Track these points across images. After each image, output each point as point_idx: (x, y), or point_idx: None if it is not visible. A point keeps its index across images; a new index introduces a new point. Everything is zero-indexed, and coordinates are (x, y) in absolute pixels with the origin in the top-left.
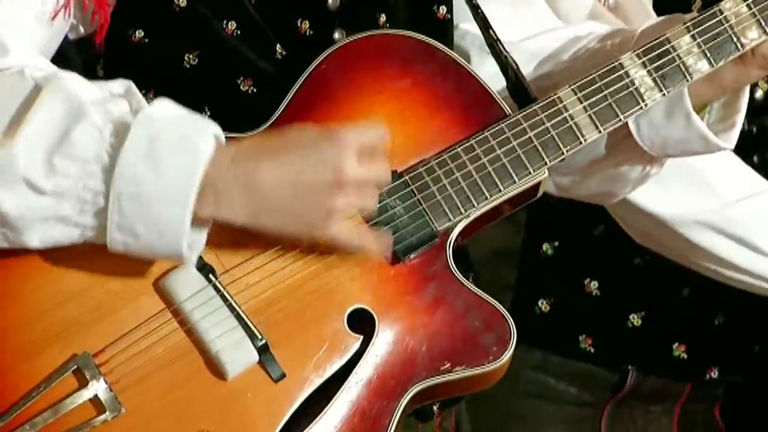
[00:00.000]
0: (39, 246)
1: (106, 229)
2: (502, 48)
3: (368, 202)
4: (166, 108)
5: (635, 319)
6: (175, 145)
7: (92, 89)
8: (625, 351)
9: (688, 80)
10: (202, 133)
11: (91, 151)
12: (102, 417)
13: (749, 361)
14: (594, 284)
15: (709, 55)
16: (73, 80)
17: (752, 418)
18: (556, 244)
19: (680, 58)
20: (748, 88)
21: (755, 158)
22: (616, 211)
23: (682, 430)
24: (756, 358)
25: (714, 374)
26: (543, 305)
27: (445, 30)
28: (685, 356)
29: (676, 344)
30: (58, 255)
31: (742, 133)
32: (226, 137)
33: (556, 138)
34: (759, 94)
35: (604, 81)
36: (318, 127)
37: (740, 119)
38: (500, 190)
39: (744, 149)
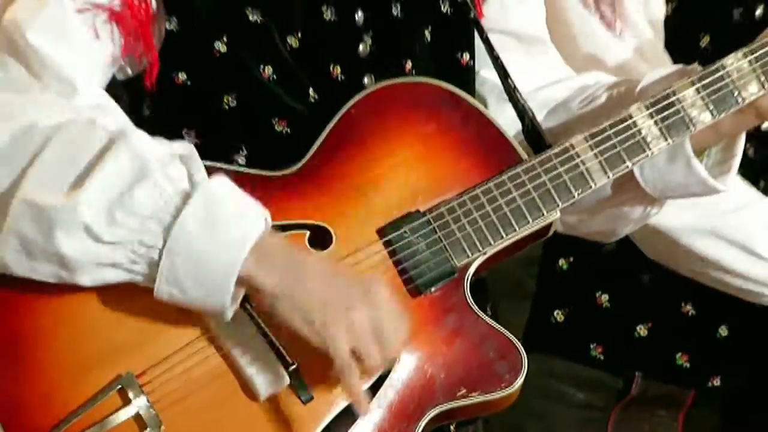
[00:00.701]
0: (89, 285)
1: (155, 279)
2: (519, 96)
3: (386, 341)
4: (224, 183)
5: (642, 330)
6: (232, 216)
7: (157, 149)
8: (632, 358)
9: (691, 130)
10: (255, 211)
11: (149, 209)
12: None
13: (750, 370)
14: (605, 297)
15: (711, 107)
16: (139, 138)
17: (754, 424)
18: (571, 260)
19: (685, 110)
20: (744, 135)
21: (761, 183)
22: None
23: (687, 429)
24: (756, 367)
25: (716, 382)
26: (558, 315)
27: (467, 76)
28: (688, 365)
29: (680, 353)
30: (107, 286)
31: (749, 159)
32: (258, 175)
33: (568, 182)
34: (766, 125)
35: (614, 130)
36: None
37: (736, 163)
38: (515, 230)
39: (750, 175)
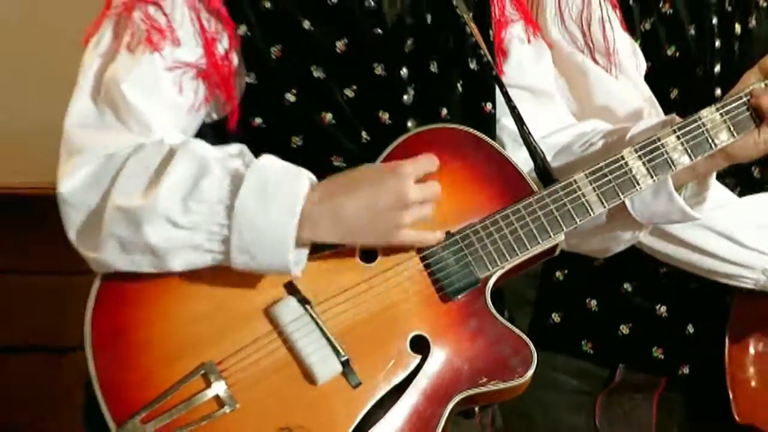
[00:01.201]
0: (179, 269)
1: (230, 253)
2: (532, 140)
3: (426, 214)
4: (271, 160)
5: (624, 329)
6: (279, 186)
7: (214, 150)
8: (616, 352)
9: (672, 170)
10: (298, 177)
11: (215, 196)
12: (222, 410)
13: (711, 361)
14: (593, 302)
15: (690, 152)
16: (199, 144)
17: (713, 403)
18: (566, 272)
19: (667, 153)
20: (715, 173)
21: (754, 170)
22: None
23: (660, 412)
24: (715, 358)
25: (685, 371)
26: (555, 317)
27: (490, 123)
28: (662, 357)
29: (655, 348)
30: (194, 288)
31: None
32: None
33: (571, 211)
34: None
35: (609, 168)
36: (382, 164)
37: (709, 195)
38: (528, 249)
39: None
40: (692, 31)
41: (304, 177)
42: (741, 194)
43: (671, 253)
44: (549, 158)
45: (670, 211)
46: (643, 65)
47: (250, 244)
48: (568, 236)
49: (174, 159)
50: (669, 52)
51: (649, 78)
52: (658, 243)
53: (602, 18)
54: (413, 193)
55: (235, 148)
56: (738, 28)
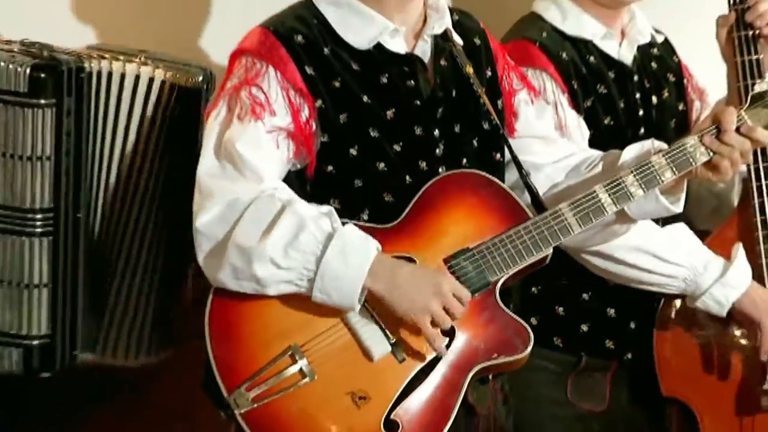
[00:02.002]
0: (273, 294)
1: (313, 290)
2: (529, 181)
3: (445, 321)
4: (351, 228)
5: (584, 327)
6: (355, 249)
7: (312, 209)
8: (579, 345)
9: (631, 200)
10: (369, 244)
11: (309, 248)
12: (304, 380)
13: (648, 348)
14: (561, 309)
15: (643, 186)
16: (301, 204)
17: (649, 379)
18: (539, 287)
19: (627, 188)
20: (686, 182)
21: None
22: (580, 258)
23: (613, 386)
24: (649, 346)
25: (629, 356)
26: (533, 320)
27: (499, 169)
28: (613, 347)
29: (608, 340)
30: (282, 296)
31: None
32: (374, 227)
33: (557, 231)
34: None
35: (585, 200)
36: (434, 270)
37: (683, 196)
38: (525, 259)
39: None
40: (621, 105)
41: (373, 245)
42: (663, 224)
43: (616, 271)
44: (561, 177)
45: (657, 209)
46: (587, 133)
47: (330, 287)
48: (576, 238)
49: (282, 215)
50: (606, 122)
51: (593, 141)
52: (606, 264)
53: (555, 102)
54: (448, 298)
55: (326, 208)
56: (654, 99)
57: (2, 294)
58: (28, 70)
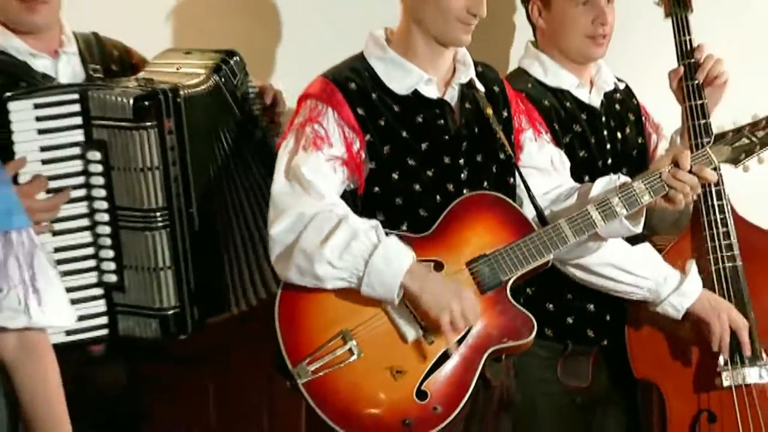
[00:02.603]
0: (329, 288)
1: (361, 285)
2: (535, 199)
3: (462, 323)
4: (393, 239)
5: (570, 320)
6: (395, 256)
7: (363, 223)
8: (566, 335)
9: (616, 217)
10: (407, 253)
11: (359, 254)
12: (353, 358)
13: (621, 336)
14: (551, 306)
15: (626, 206)
16: (354, 218)
17: (624, 362)
18: (533, 289)
19: (612, 207)
20: (644, 209)
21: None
22: (567, 269)
23: (594, 367)
24: (621, 334)
25: (606, 342)
26: None
27: (512, 191)
28: (593, 335)
29: (589, 330)
30: (335, 290)
31: None
32: (412, 236)
33: (557, 241)
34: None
35: (579, 216)
36: (455, 285)
37: (642, 220)
38: (531, 263)
39: None
40: (593, 141)
41: (410, 254)
42: (633, 242)
43: (592, 281)
44: (546, 204)
45: (621, 229)
46: (567, 164)
47: (375, 283)
48: (569, 252)
49: (339, 226)
50: (581, 155)
51: (572, 170)
52: (585, 275)
53: (550, 139)
54: (467, 302)
55: (374, 222)
56: (619, 135)
57: (137, 278)
58: (131, 101)
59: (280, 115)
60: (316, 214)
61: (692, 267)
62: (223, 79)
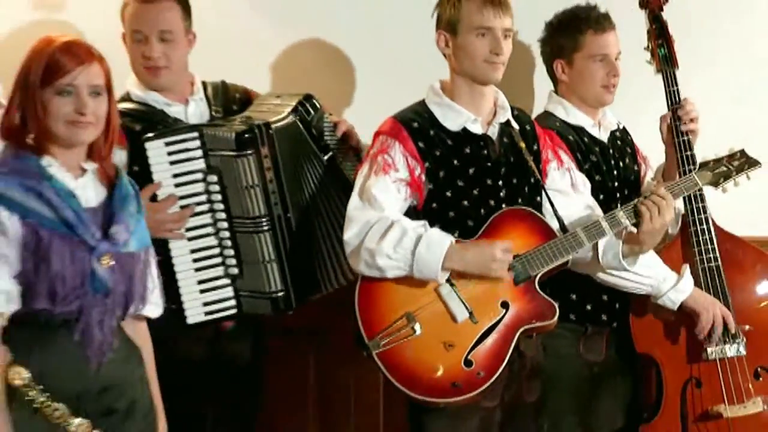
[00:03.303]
0: (391, 277)
1: (413, 272)
2: (558, 214)
3: (504, 263)
4: (436, 230)
5: (588, 308)
6: (437, 243)
7: (412, 223)
8: (586, 319)
9: (606, 235)
10: (446, 239)
11: (408, 247)
12: (415, 334)
13: (627, 320)
14: (574, 296)
15: (628, 218)
16: (405, 220)
17: (629, 340)
18: (561, 282)
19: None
20: (644, 252)
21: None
22: (586, 270)
23: (607, 344)
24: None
25: (615, 325)
26: (557, 305)
27: (539, 207)
28: (605, 318)
29: (603, 315)
30: (399, 279)
31: None
32: (462, 241)
33: (574, 245)
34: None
35: (593, 226)
36: (488, 241)
37: (637, 260)
38: (553, 262)
39: None
40: (604, 168)
41: (449, 239)
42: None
43: (607, 279)
44: (566, 221)
45: (616, 265)
46: (588, 185)
47: (422, 268)
48: (580, 256)
49: (391, 228)
50: (596, 178)
51: (592, 192)
52: (602, 275)
53: (568, 168)
54: (500, 246)
55: (421, 222)
56: (621, 164)
57: (251, 270)
58: (234, 135)
59: (354, 143)
60: (377, 221)
61: (686, 269)
62: (299, 117)
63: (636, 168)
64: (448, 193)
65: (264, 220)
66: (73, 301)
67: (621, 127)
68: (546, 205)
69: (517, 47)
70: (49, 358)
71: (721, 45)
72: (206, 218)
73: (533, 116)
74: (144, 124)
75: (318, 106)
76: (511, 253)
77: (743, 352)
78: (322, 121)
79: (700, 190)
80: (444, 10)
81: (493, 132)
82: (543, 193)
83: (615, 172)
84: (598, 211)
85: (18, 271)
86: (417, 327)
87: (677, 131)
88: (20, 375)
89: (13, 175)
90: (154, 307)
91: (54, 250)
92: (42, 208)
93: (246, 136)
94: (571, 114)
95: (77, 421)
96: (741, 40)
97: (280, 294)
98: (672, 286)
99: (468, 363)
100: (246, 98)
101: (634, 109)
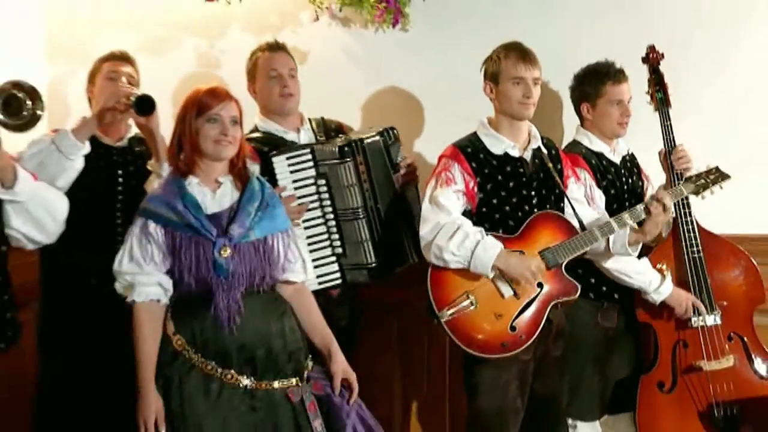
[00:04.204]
0: (454, 267)
1: (470, 267)
2: (578, 216)
3: (532, 279)
4: (491, 238)
5: (604, 288)
6: (490, 248)
7: (474, 228)
8: (603, 298)
9: (616, 230)
10: (497, 246)
11: (468, 248)
12: (472, 308)
13: (631, 299)
14: (592, 280)
15: (632, 219)
16: (469, 225)
17: (633, 313)
18: (581, 270)
19: (638, 212)
20: (641, 244)
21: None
22: (598, 263)
23: (618, 315)
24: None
25: (624, 302)
26: (579, 285)
27: (563, 211)
28: (617, 297)
29: (615, 294)
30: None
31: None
32: (505, 237)
33: (590, 239)
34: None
35: (605, 225)
36: (530, 257)
37: (639, 246)
38: (575, 252)
39: None
40: (617, 184)
41: (499, 246)
42: (638, 256)
43: (611, 276)
44: (585, 222)
45: (623, 252)
46: (603, 199)
47: (477, 266)
48: (596, 250)
49: (457, 231)
50: (612, 192)
51: (606, 203)
52: (608, 274)
53: (589, 184)
54: (533, 266)
55: (480, 228)
56: (630, 181)
57: (352, 248)
58: (336, 148)
59: (413, 176)
60: (446, 224)
61: (668, 275)
62: (383, 138)
63: (641, 183)
64: (494, 201)
65: (360, 210)
66: (204, 283)
67: (630, 152)
68: (568, 209)
69: (546, 92)
70: (197, 327)
71: (702, 94)
72: (317, 212)
73: (563, 144)
74: (270, 146)
75: (397, 135)
76: (540, 273)
77: (719, 321)
78: (398, 148)
79: (686, 198)
80: (489, 66)
81: (528, 155)
82: (566, 200)
83: (625, 187)
84: (607, 216)
85: (168, 267)
86: (474, 302)
87: (671, 165)
88: (180, 341)
89: (162, 195)
90: (296, 274)
91: (183, 247)
92: (175, 217)
93: (346, 148)
94: (594, 143)
95: (226, 372)
96: (720, 87)
97: (375, 265)
98: (655, 288)
99: (513, 328)
100: (340, 129)
101: (639, 138)
